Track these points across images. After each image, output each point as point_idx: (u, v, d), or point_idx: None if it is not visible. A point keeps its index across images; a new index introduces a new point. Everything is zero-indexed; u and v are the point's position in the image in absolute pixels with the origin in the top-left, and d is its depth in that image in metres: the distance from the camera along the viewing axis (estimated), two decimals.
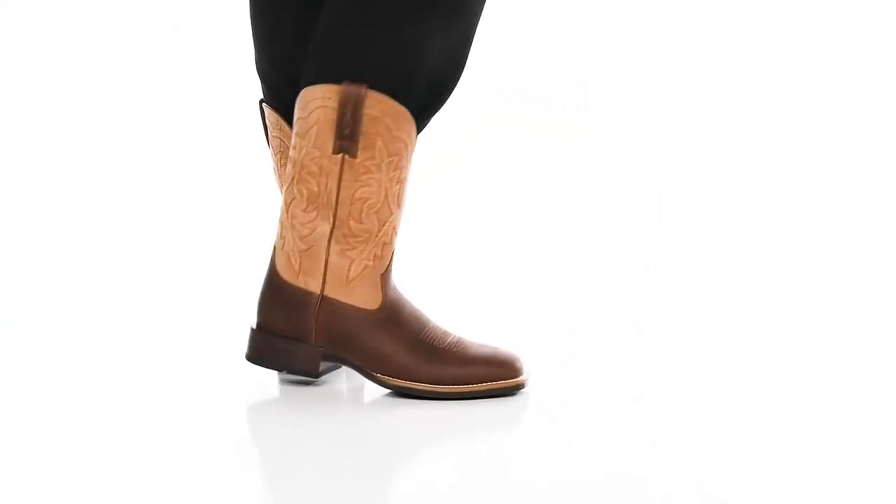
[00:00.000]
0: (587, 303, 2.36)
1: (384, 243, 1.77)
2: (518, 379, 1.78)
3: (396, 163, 1.75)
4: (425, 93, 1.76)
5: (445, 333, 1.79)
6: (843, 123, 3.15)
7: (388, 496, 1.47)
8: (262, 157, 1.97)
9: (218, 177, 3.03)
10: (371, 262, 1.76)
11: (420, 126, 1.78)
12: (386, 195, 1.75)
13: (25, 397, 1.79)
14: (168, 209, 2.99)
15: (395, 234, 1.78)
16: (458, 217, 2.89)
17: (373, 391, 1.80)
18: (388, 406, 1.75)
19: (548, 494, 1.45)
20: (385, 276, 1.78)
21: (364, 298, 1.77)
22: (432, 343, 1.77)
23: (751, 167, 3.12)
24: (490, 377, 1.77)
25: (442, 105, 1.79)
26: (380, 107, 1.73)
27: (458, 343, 1.78)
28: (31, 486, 1.45)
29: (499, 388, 1.77)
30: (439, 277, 2.58)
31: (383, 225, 1.76)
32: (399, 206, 1.77)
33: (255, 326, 1.80)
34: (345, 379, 1.86)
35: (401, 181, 1.76)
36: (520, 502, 1.43)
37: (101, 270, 2.62)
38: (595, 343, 2.11)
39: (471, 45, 1.79)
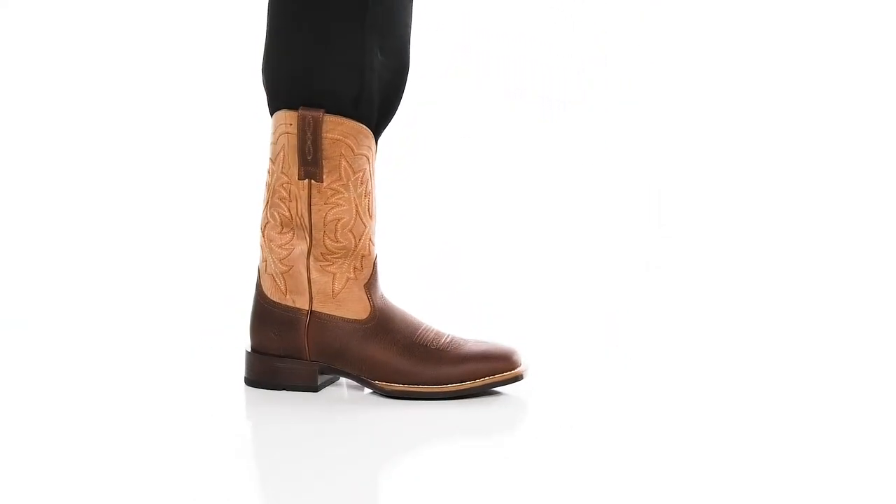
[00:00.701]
0: (587, 303, 2.36)
1: (362, 256, 1.78)
2: (516, 371, 1.78)
3: (362, 177, 1.76)
4: (377, 105, 1.76)
5: (438, 334, 1.79)
6: (844, 123, 3.15)
7: (387, 496, 1.47)
8: (261, 157, 1.97)
9: (218, 177, 3.03)
10: (352, 275, 1.78)
11: (377, 135, 1.79)
12: (357, 211, 1.76)
13: (25, 397, 1.79)
14: (167, 209, 2.99)
15: (373, 244, 1.79)
16: (459, 217, 2.89)
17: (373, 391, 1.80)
18: (388, 406, 1.75)
19: (548, 494, 1.45)
20: (370, 285, 1.78)
21: (353, 309, 1.78)
22: (426, 345, 1.78)
23: (751, 167, 3.11)
24: (488, 372, 1.77)
25: (395, 111, 1.80)
26: (339, 129, 1.74)
27: (453, 342, 1.78)
28: (31, 486, 1.45)
29: (497, 382, 1.77)
30: (440, 278, 2.58)
31: (359, 239, 1.77)
32: (371, 216, 1.78)
33: (249, 349, 1.81)
34: (344, 379, 1.85)
35: (369, 194, 1.77)
36: (520, 502, 1.43)
37: (100, 270, 2.61)
38: (595, 343, 2.11)
39: (409, 49, 1.80)
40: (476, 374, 1.77)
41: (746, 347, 2.08)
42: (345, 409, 1.74)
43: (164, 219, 2.95)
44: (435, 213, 2.93)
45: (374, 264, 1.79)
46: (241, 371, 1.84)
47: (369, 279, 1.79)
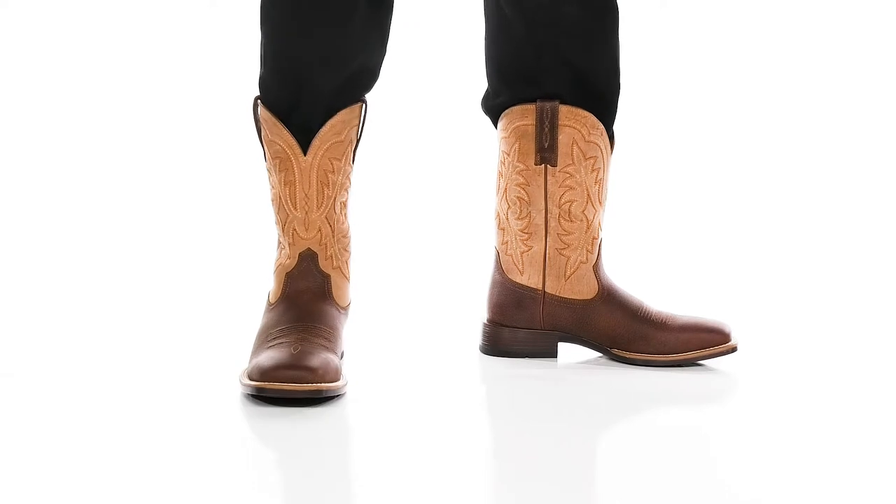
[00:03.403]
0: None
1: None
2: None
3: (594, 164, 1.96)
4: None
5: (659, 312, 1.97)
6: (843, 123, 3.15)
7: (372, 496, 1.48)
8: (259, 159, 1.97)
9: (218, 176, 3.03)
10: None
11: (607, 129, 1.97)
12: (587, 194, 1.97)
13: (26, 398, 1.79)
14: (168, 209, 2.99)
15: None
16: (458, 216, 2.89)
17: (366, 397, 1.81)
18: (380, 410, 1.76)
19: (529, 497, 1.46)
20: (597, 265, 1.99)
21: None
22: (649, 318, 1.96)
23: (751, 167, 3.11)
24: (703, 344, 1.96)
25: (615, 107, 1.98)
26: (570, 116, 1.94)
27: (668, 317, 1.96)
28: (32, 486, 1.45)
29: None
30: (440, 278, 2.58)
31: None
32: (604, 202, 2.00)
33: None
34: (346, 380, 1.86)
35: (600, 181, 1.98)
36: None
37: (101, 270, 2.62)
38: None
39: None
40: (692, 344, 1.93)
41: (746, 347, 2.08)
42: (339, 410, 1.74)
43: (166, 220, 2.95)
44: (434, 213, 2.93)
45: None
46: (238, 373, 1.85)
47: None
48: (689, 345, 1.95)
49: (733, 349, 1.96)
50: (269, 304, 1.87)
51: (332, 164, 1.85)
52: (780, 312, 2.34)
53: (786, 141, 3.15)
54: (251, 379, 1.73)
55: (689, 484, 1.47)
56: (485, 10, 1.99)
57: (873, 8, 3.17)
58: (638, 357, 1.96)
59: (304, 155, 1.84)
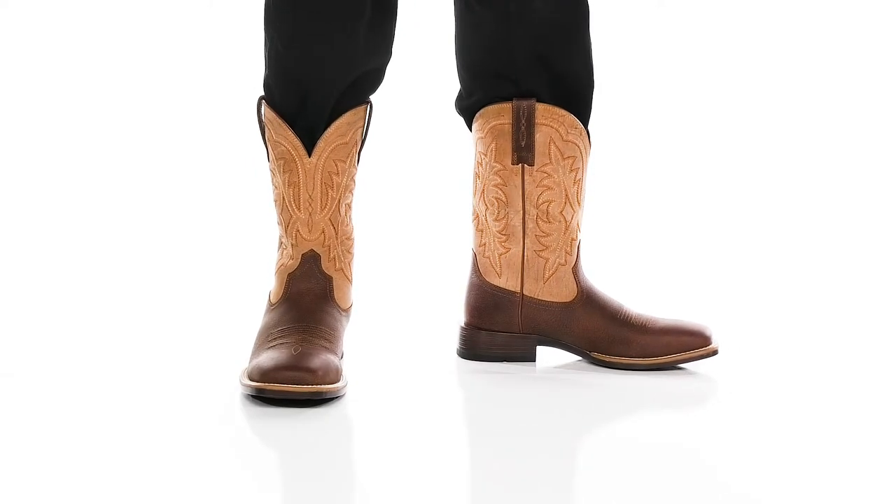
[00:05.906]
0: None
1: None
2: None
3: (572, 164, 1.93)
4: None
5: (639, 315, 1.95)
6: (843, 123, 3.15)
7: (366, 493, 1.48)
8: (256, 161, 1.97)
9: (219, 177, 3.03)
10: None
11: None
12: (566, 194, 1.94)
13: (26, 398, 1.79)
14: (169, 209, 2.99)
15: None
16: (457, 216, 2.89)
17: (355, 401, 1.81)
18: (380, 411, 1.76)
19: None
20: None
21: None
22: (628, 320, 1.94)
23: (732, 168, 3.11)
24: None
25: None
26: (546, 114, 1.92)
27: (647, 319, 1.93)
28: (32, 486, 1.45)
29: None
30: (440, 279, 2.58)
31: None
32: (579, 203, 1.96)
33: None
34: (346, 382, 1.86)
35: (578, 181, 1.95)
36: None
37: (101, 270, 2.62)
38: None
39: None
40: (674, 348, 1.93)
41: (745, 348, 2.08)
42: (341, 413, 1.74)
43: (166, 220, 2.95)
44: (433, 213, 2.93)
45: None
46: (238, 373, 1.85)
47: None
48: (669, 348, 1.93)
49: (714, 352, 1.94)
50: (271, 304, 1.87)
51: (336, 165, 1.85)
52: (761, 316, 2.33)
53: (766, 142, 3.15)
54: (251, 379, 1.73)
55: (671, 488, 1.47)
56: (455, 8, 1.96)
57: (863, 8, 3.18)
58: (618, 361, 1.94)
59: (309, 156, 1.84)
